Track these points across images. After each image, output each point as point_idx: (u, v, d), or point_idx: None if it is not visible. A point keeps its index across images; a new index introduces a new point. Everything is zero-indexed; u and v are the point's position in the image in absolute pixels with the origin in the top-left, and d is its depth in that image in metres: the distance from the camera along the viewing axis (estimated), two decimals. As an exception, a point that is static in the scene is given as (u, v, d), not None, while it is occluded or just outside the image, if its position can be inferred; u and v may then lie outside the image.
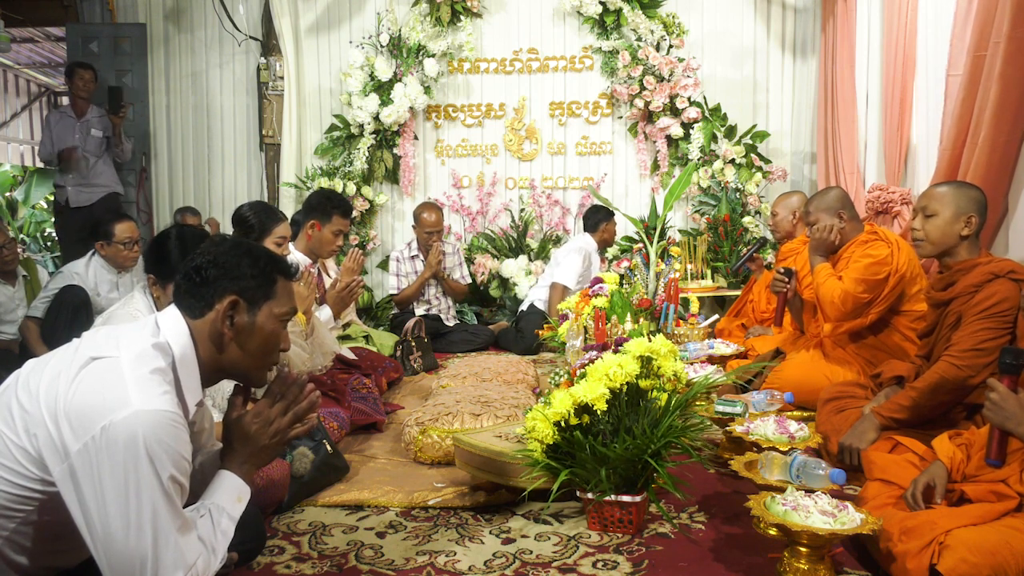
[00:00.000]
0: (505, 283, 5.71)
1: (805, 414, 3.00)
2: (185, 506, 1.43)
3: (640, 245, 4.65)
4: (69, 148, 5.26)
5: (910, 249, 3.13)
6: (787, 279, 3.51)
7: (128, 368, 1.37)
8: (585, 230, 5.25)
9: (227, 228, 3.27)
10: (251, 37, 5.98)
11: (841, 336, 3.19)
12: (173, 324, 1.50)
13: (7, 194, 9.64)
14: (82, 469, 1.30)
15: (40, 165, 10.16)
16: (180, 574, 1.33)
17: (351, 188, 5.68)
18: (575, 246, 5.11)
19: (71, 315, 3.69)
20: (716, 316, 4.15)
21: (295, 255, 3.81)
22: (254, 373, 1.60)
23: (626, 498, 2.09)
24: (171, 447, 1.33)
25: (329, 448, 2.50)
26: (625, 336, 2.77)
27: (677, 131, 5.59)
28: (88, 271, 3.96)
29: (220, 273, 1.52)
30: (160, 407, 1.34)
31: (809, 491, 1.87)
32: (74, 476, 1.30)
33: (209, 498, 1.52)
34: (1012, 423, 1.71)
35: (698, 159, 5.55)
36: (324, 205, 3.83)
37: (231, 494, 1.54)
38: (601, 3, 5.55)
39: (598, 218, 5.19)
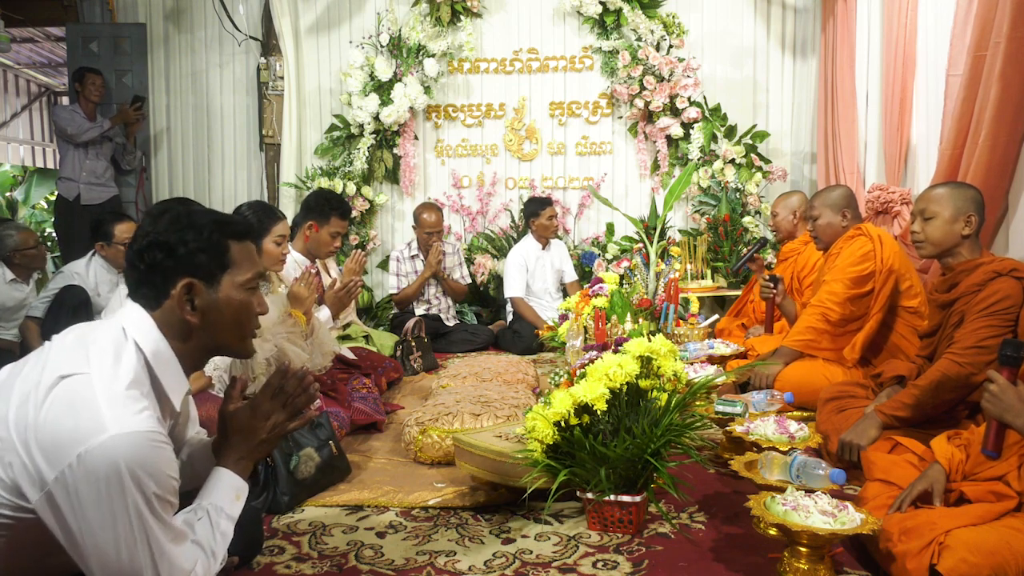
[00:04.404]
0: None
1: (805, 414, 3.00)
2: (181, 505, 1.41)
3: (640, 245, 4.65)
4: (99, 134, 5.31)
5: (894, 243, 3.18)
6: (773, 285, 3.55)
7: (100, 386, 1.27)
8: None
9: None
10: (251, 37, 5.98)
11: (845, 338, 3.19)
12: (138, 323, 1.40)
13: (7, 194, 9.63)
14: (61, 497, 1.24)
15: (40, 165, 10.19)
16: None
17: (351, 188, 5.67)
18: (509, 260, 5.22)
19: (71, 315, 3.70)
20: (716, 316, 4.15)
21: (292, 255, 3.81)
22: (237, 346, 1.52)
23: (626, 498, 2.09)
24: (155, 467, 1.27)
25: (334, 449, 2.51)
26: (625, 336, 2.77)
27: (677, 131, 5.58)
28: (88, 271, 3.96)
29: (164, 255, 1.40)
30: (138, 428, 1.25)
31: (809, 491, 1.87)
32: (53, 504, 1.25)
33: (207, 498, 1.48)
34: (1010, 415, 1.71)
35: (698, 159, 5.54)
36: (322, 206, 3.83)
37: (229, 493, 1.50)
38: (601, 3, 5.54)
39: (528, 211, 5.28)
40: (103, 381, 1.28)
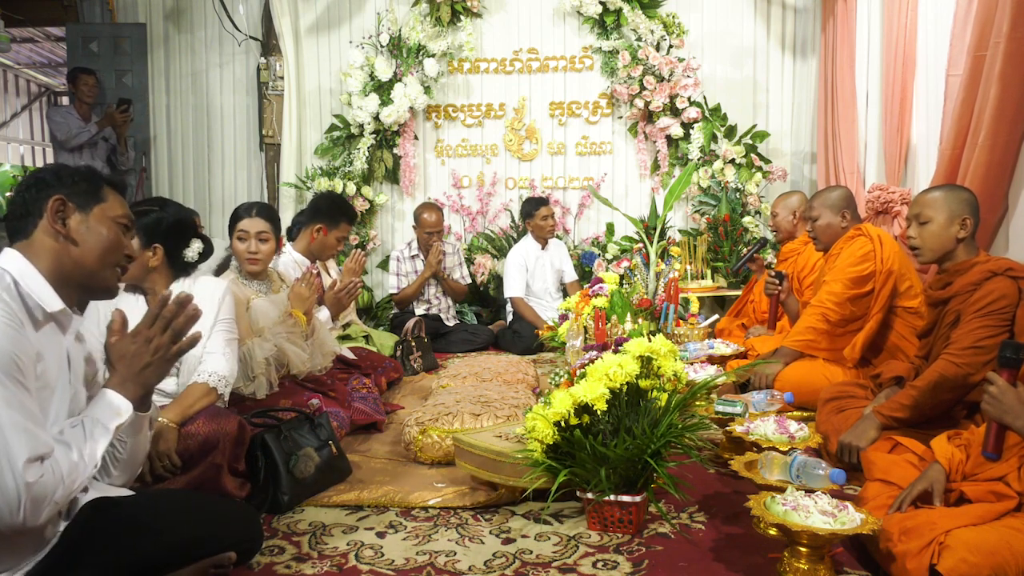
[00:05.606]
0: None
1: (805, 414, 3.00)
2: None
3: (640, 245, 4.65)
4: (88, 139, 5.32)
5: (894, 243, 3.18)
6: (779, 281, 3.55)
7: None
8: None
9: (223, 228, 3.26)
10: (251, 37, 5.98)
11: (845, 338, 3.19)
12: (5, 256, 1.52)
13: (7, 194, 9.63)
14: None
15: (40, 165, 10.19)
16: (30, 461, 1.34)
17: (351, 188, 5.67)
18: (509, 260, 5.23)
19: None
20: (716, 316, 4.15)
21: (292, 255, 3.82)
22: (100, 274, 1.60)
23: (626, 498, 2.09)
24: None
25: (334, 449, 2.51)
26: (625, 336, 2.77)
27: (677, 131, 5.58)
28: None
29: (41, 187, 1.55)
30: None
31: (809, 491, 1.87)
32: None
33: (85, 414, 1.54)
34: (1010, 417, 1.71)
35: (698, 159, 5.55)
36: (333, 212, 3.86)
37: (109, 409, 1.55)
38: (601, 3, 5.55)
39: (524, 212, 5.30)
40: None
